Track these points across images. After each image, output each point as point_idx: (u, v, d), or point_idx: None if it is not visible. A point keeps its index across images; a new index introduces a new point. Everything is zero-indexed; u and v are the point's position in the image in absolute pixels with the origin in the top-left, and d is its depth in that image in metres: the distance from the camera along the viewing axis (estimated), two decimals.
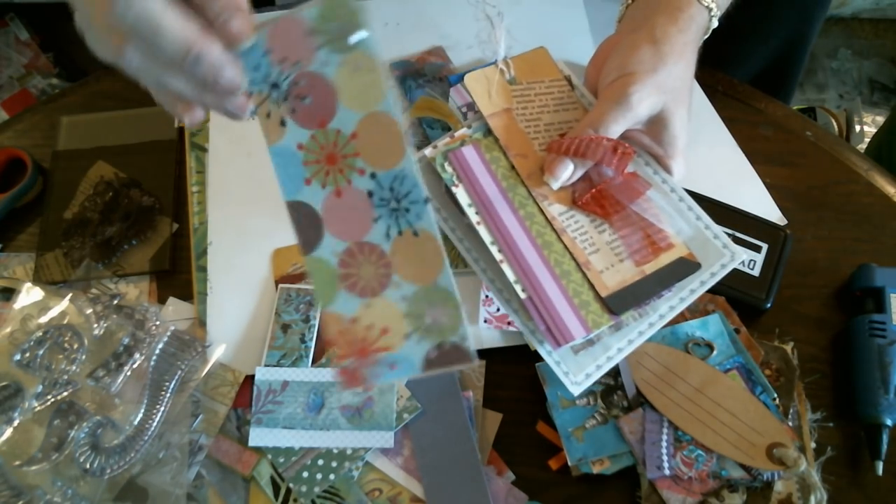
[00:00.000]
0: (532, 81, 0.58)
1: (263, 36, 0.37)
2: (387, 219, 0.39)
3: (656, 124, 0.54)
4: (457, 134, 0.57)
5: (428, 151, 0.57)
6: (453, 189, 0.54)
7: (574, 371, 0.52)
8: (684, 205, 0.56)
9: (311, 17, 0.37)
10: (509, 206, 0.54)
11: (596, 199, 0.53)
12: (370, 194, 0.39)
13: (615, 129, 0.53)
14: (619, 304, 0.50)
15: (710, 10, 0.55)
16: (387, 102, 0.38)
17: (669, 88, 0.53)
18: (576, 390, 0.52)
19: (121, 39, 0.35)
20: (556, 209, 0.54)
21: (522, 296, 0.51)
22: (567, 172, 0.54)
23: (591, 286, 0.52)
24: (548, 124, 0.56)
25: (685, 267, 0.52)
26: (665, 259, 0.52)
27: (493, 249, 0.53)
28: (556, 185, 0.55)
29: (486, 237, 0.53)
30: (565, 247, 0.54)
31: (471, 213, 0.54)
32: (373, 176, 0.38)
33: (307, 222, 0.40)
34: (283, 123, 0.39)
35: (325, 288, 0.39)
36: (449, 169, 0.55)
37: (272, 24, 0.37)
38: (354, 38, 0.37)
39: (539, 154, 0.55)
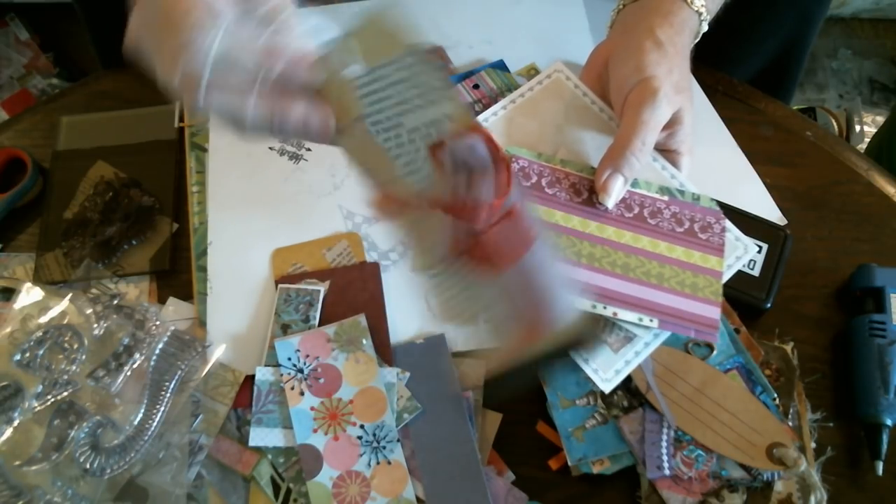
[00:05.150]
0: (380, 66, 0.38)
1: (297, 341, 0.56)
2: (369, 454, 0.53)
3: (672, 123, 0.55)
4: None
5: None
6: None
7: (603, 368, 0.52)
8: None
9: (331, 332, 0.56)
10: (570, 263, 0.52)
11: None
12: (359, 438, 0.54)
13: (653, 137, 0.52)
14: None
15: (700, 14, 0.55)
16: (377, 381, 0.54)
17: (683, 87, 0.53)
18: (606, 387, 0.51)
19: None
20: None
21: (654, 325, 0.51)
22: (620, 187, 0.52)
23: (686, 267, 0.51)
24: (412, 129, 0.38)
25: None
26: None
27: (600, 309, 0.51)
28: (611, 204, 0.53)
29: (584, 304, 0.51)
30: (637, 254, 0.52)
31: None
32: (361, 426, 0.54)
33: (312, 458, 0.53)
34: (301, 393, 0.55)
35: (323, 501, 0.52)
36: None
37: (306, 334, 0.56)
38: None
39: (404, 181, 0.38)
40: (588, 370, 0.52)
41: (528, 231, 0.39)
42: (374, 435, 0.54)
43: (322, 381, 0.56)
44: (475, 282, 0.39)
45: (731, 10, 0.59)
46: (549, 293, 0.39)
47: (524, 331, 0.39)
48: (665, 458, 0.52)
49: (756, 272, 0.59)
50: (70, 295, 0.59)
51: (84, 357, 0.57)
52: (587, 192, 0.54)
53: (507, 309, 0.39)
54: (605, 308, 0.51)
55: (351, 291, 0.59)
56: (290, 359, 0.56)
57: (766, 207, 0.63)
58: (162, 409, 0.55)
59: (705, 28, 0.57)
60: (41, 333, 0.57)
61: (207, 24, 0.35)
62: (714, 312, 0.52)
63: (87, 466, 0.52)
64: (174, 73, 0.36)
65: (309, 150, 0.66)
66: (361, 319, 0.57)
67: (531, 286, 0.39)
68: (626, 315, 0.51)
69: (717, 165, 0.65)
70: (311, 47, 0.38)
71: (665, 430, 0.53)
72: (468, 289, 0.40)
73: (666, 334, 0.52)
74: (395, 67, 0.39)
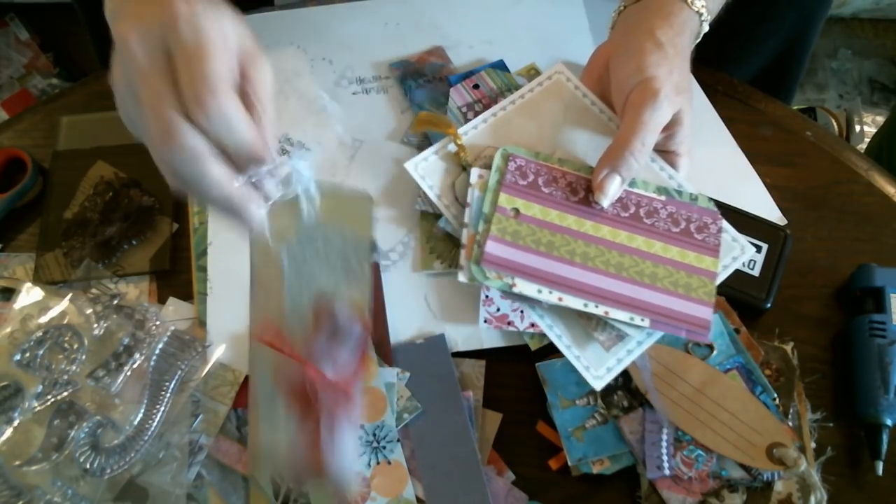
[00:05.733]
0: (330, 226, 0.45)
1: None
2: (369, 454, 0.54)
3: (672, 124, 0.55)
4: (465, 241, 0.54)
5: (462, 278, 0.53)
6: (514, 290, 0.52)
7: (595, 365, 0.52)
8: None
9: None
10: (563, 262, 0.52)
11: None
12: (359, 438, 0.53)
13: (653, 138, 0.52)
14: None
15: (701, 14, 0.55)
16: (377, 381, 0.54)
17: (683, 88, 0.54)
18: (597, 385, 0.51)
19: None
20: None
21: (646, 324, 0.51)
22: (617, 187, 0.52)
23: (679, 267, 0.52)
24: (313, 287, 0.45)
25: None
26: None
27: (592, 308, 0.51)
28: (607, 203, 0.53)
29: (576, 303, 0.51)
30: (632, 254, 0.53)
31: (546, 295, 0.52)
32: (361, 426, 0.54)
33: None
34: None
35: (322, 502, 0.52)
36: (492, 275, 0.52)
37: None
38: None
39: (286, 336, 0.45)
40: (579, 367, 0.52)
41: (345, 400, 0.43)
42: (374, 435, 0.54)
43: None
44: (284, 418, 0.44)
45: (732, 9, 0.59)
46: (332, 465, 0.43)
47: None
48: (665, 458, 0.52)
49: (756, 272, 0.59)
50: (70, 295, 0.59)
51: (84, 357, 0.57)
52: (584, 192, 0.55)
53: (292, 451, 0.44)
54: (596, 307, 0.51)
55: None
56: None
57: (765, 207, 0.63)
58: (162, 409, 0.55)
59: (706, 29, 0.57)
60: (41, 333, 0.57)
61: None
62: (706, 313, 0.52)
63: (87, 466, 0.52)
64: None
65: (308, 150, 0.66)
66: None
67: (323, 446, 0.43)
68: (617, 314, 0.51)
69: (716, 165, 0.65)
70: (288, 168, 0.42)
71: (665, 430, 0.53)
72: (274, 422, 0.45)
73: (659, 334, 0.53)
74: (338, 234, 0.46)
